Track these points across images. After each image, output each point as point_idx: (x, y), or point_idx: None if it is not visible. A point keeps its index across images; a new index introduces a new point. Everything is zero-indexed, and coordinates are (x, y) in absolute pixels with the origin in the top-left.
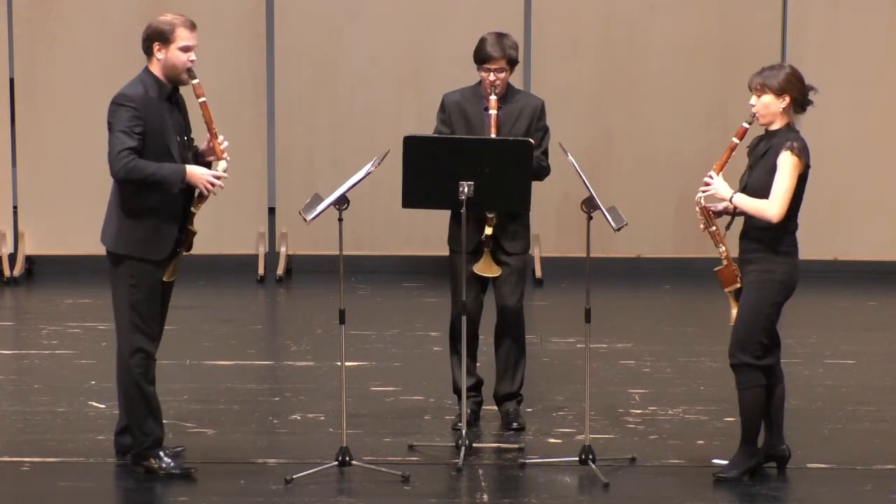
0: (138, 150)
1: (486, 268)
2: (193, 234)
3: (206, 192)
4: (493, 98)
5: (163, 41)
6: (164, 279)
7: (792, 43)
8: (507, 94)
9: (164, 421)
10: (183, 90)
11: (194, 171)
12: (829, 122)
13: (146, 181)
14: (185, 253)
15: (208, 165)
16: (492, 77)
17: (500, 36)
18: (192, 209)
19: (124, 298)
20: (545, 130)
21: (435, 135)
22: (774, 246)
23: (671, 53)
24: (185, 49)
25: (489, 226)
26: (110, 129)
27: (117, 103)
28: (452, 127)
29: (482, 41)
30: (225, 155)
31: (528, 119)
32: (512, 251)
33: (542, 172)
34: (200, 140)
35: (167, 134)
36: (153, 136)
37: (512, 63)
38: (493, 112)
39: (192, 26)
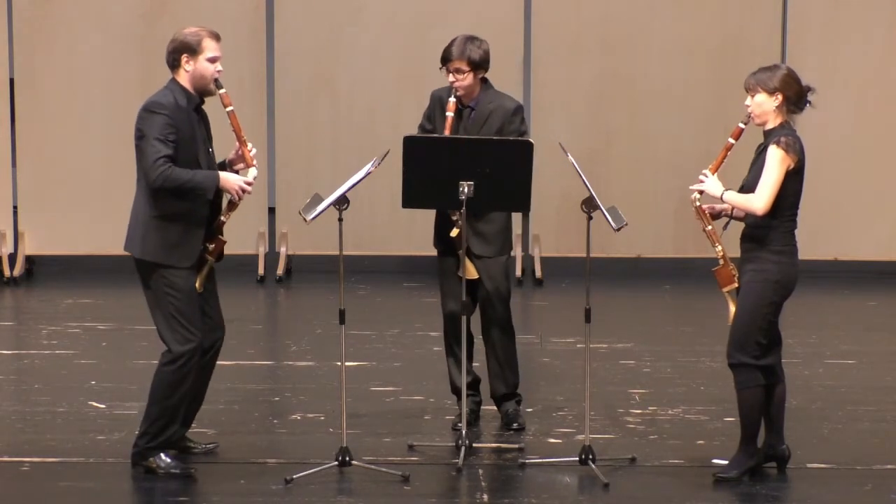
0: (173, 157)
1: (466, 270)
2: (223, 242)
3: (237, 199)
4: (451, 100)
5: (191, 53)
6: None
7: (792, 43)
8: (482, 96)
9: None
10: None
11: (227, 178)
12: (829, 122)
13: (182, 188)
14: (214, 261)
15: (236, 174)
16: (451, 78)
17: (469, 39)
18: (222, 218)
19: (163, 307)
20: (520, 135)
21: (430, 135)
22: (771, 245)
23: (671, 53)
24: (213, 59)
25: (456, 227)
26: (142, 137)
27: (150, 111)
28: (434, 123)
29: (450, 42)
30: (255, 162)
31: (499, 121)
32: (481, 254)
33: None
34: (219, 151)
35: (196, 143)
36: (183, 145)
37: (474, 65)
38: (449, 115)
39: (217, 37)
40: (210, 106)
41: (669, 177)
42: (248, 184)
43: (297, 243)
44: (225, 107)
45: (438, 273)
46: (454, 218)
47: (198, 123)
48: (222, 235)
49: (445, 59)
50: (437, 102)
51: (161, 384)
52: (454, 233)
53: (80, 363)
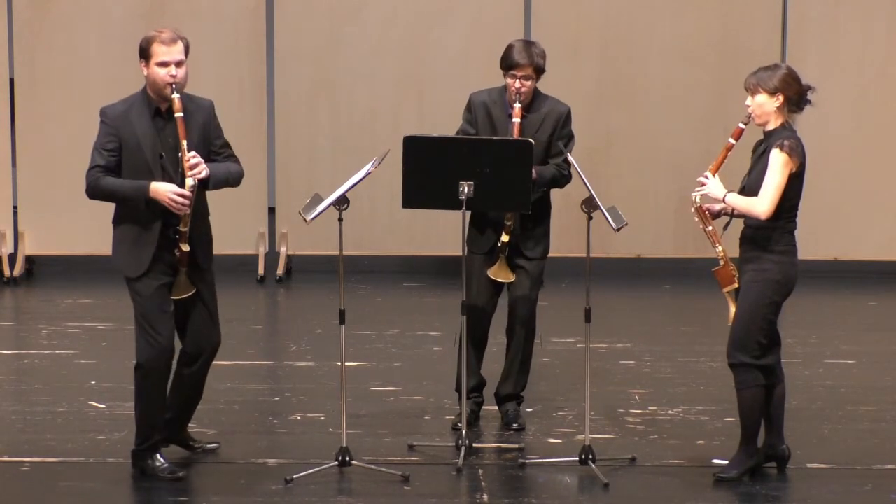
0: (108, 167)
1: (500, 272)
2: (186, 252)
3: (170, 209)
4: (517, 106)
5: (144, 58)
6: (172, 297)
7: (792, 43)
8: (534, 101)
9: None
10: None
11: (158, 188)
12: (828, 122)
13: (111, 198)
14: (185, 269)
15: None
16: (517, 84)
17: (529, 44)
18: (181, 228)
19: (134, 312)
20: (570, 137)
21: (460, 134)
22: (771, 245)
23: (671, 53)
24: (162, 64)
25: (506, 233)
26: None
27: (100, 117)
28: (478, 128)
29: (510, 48)
30: (191, 172)
31: (552, 126)
32: (532, 256)
33: (563, 181)
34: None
35: (144, 151)
36: (128, 153)
37: (539, 71)
38: (516, 120)
39: (172, 41)
40: (219, 108)
41: (669, 177)
42: (180, 194)
43: (297, 243)
44: (174, 112)
45: (466, 270)
46: (508, 222)
47: (159, 130)
48: (185, 245)
49: (511, 66)
50: (482, 108)
51: (135, 389)
52: (505, 238)
53: (80, 363)
